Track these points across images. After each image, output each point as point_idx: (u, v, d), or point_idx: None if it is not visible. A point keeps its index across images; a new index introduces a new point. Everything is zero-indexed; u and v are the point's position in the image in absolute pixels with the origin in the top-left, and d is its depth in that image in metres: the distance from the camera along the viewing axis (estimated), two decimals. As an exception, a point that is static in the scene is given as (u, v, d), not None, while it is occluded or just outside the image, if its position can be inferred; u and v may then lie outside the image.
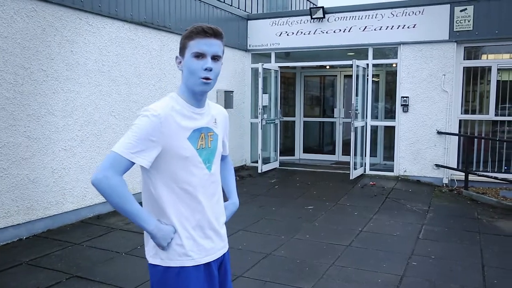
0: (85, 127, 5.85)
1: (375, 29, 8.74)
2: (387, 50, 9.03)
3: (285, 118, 10.75)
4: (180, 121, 1.77)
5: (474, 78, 8.46)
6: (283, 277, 4.13)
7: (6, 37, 4.82)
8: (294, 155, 10.94)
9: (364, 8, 8.86)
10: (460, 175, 7.96)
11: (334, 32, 9.10)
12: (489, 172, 8.10)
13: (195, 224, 1.83)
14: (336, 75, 11.04)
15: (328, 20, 9.12)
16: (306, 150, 11.06)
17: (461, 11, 8.06)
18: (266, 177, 8.84)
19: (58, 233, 5.28)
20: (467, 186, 7.60)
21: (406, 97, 8.49)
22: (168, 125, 1.73)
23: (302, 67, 11.02)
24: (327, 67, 11.06)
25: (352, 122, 8.38)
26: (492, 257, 4.69)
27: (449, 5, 8.12)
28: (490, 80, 8.20)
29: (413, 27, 8.40)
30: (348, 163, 8.59)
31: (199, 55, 1.76)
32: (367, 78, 8.97)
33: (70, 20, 5.56)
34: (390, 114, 9.57)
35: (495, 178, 7.48)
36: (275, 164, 9.69)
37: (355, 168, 8.52)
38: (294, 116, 11.09)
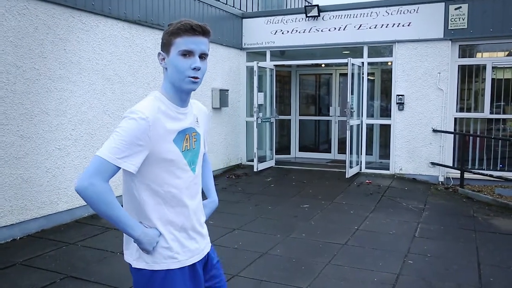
0: (79, 126, 5.81)
1: (370, 28, 8.73)
2: (382, 49, 9.03)
3: (281, 117, 10.73)
4: (166, 124, 1.70)
5: (469, 76, 8.47)
6: (278, 276, 4.11)
7: (-2, 35, 4.77)
8: (290, 154, 10.92)
9: (359, 6, 8.85)
10: (456, 173, 7.97)
11: (329, 30, 9.08)
12: (484, 170, 8.13)
13: (180, 226, 1.79)
14: (331, 74, 11.03)
15: (323, 18, 9.10)
16: (302, 148, 11.05)
17: (455, 9, 8.06)
18: (262, 176, 8.82)
19: (52, 233, 5.23)
20: (463, 184, 7.61)
21: (402, 95, 8.49)
22: (155, 129, 1.66)
23: (298, 66, 11.00)
24: (323, 65, 11.04)
25: (347, 121, 8.37)
26: (487, 255, 4.69)
27: (443, 3, 8.11)
28: (485, 78, 8.21)
29: (408, 25, 8.40)
30: (344, 161, 8.58)
31: (187, 53, 1.70)
32: (363, 77, 8.96)
33: (63, 18, 5.51)
34: (385, 112, 9.57)
35: (491, 176, 7.49)
36: (271, 163, 9.67)
37: (351, 167, 8.52)
38: (290, 115, 11.07)
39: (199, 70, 1.71)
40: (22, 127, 5.06)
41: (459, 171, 7.75)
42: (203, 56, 1.73)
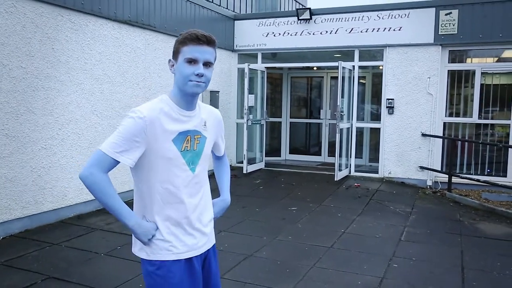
0: (66, 126, 5.76)
1: (361, 31, 8.77)
2: (373, 52, 9.07)
3: (271, 119, 10.73)
4: (166, 124, 1.84)
5: (458, 81, 8.52)
6: (263, 278, 4.10)
7: (-16, 33, 4.73)
8: (280, 156, 10.92)
9: (351, 10, 8.88)
10: (444, 177, 8.01)
11: (321, 33, 9.11)
12: (472, 174, 8.18)
13: (177, 222, 1.91)
14: (323, 77, 11.05)
15: (315, 21, 9.13)
16: (292, 151, 11.05)
17: (446, 14, 8.12)
18: (251, 178, 8.81)
19: (36, 233, 5.19)
20: (451, 188, 7.65)
21: (392, 99, 8.53)
22: (153, 128, 1.80)
23: (289, 68, 11.02)
24: (314, 68, 11.06)
25: (337, 124, 8.39)
26: (472, 259, 4.71)
27: (434, 8, 8.17)
28: (474, 84, 8.26)
29: (399, 30, 8.44)
30: (334, 164, 8.59)
31: (192, 61, 1.84)
32: (353, 80, 8.99)
33: (51, 17, 5.47)
34: (376, 116, 9.61)
35: (478, 180, 7.54)
36: (261, 165, 9.66)
37: (340, 170, 8.53)
38: (281, 117, 11.07)
39: (202, 76, 1.85)
40: (8, 125, 5.01)
41: (447, 175, 7.79)
42: (207, 64, 1.87)
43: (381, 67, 9.00)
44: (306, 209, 6.58)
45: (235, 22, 9.81)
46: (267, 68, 9.80)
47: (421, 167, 8.29)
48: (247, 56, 9.94)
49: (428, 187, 8.19)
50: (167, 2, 7.57)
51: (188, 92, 1.86)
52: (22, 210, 5.22)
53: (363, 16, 8.75)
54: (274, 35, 9.50)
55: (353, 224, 5.91)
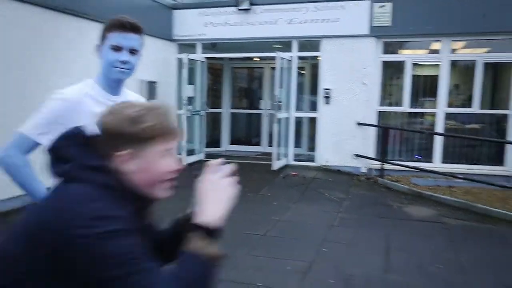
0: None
1: (300, 22, 8.87)
2: (312, 43, 9.21)
3: (212, 110, 10.65)
4: (92, 107, 1.78)
5: (392, 72, 8.85)
6: (193, 268, 4.07)
7: None
8: (220, 147, 10.89)
9: (290, 1, 8.94)
10: (377, 164, 8.31)
11: (261, 24, 9.12)
12: (403, 161, 8.53)
13: None
14: (263, 67, 11.10)
15: (255, 12, 9.12)
16: (233, 141, 11.05)
17: (380, 7, 8.37)
18: (190, 170, 8.68)
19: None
20: (383, 175, 7.95)
21: (329, 89, 8.71)
22: (77, 110, 1.77)
23: (230, 59, 10.97)
24: (255, 59, 11.09)
25: (275, 114, 8.46)
26: (396, 241, 4.93)
27: (369, 1, 8.39)
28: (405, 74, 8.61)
29: (336, 21, 8.61)
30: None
31: (117, 48, 1.85)
32: (292, 70, 9.09)
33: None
34: (315, 106, 9.77)
35: (407, 166, 7.89)
36: (200, 156, 9.58)
37: (278, 159, 8.63)
38: (221, 108, 11.02)
39: (126, 63, 1.86)
40: None
41: (380, 162, 8.09)
42: (133, 51, 1.88)
43: (319, 58, 9.16)
44: (242, 199, 6.55)
45: (175, 11, 9.62)
46: (207, 58, 9.70)
47: (356, 155, 8.55)
48: (187, 46, 9.78)
49: (363, 174, 8.46)
50: (99, -12, 7.27)
51: (112, 77, 1.87)
52: None
53: (301, 8, 8.84)
54: (214, 25, 9.41)
55: (288, 212, 6.00)
